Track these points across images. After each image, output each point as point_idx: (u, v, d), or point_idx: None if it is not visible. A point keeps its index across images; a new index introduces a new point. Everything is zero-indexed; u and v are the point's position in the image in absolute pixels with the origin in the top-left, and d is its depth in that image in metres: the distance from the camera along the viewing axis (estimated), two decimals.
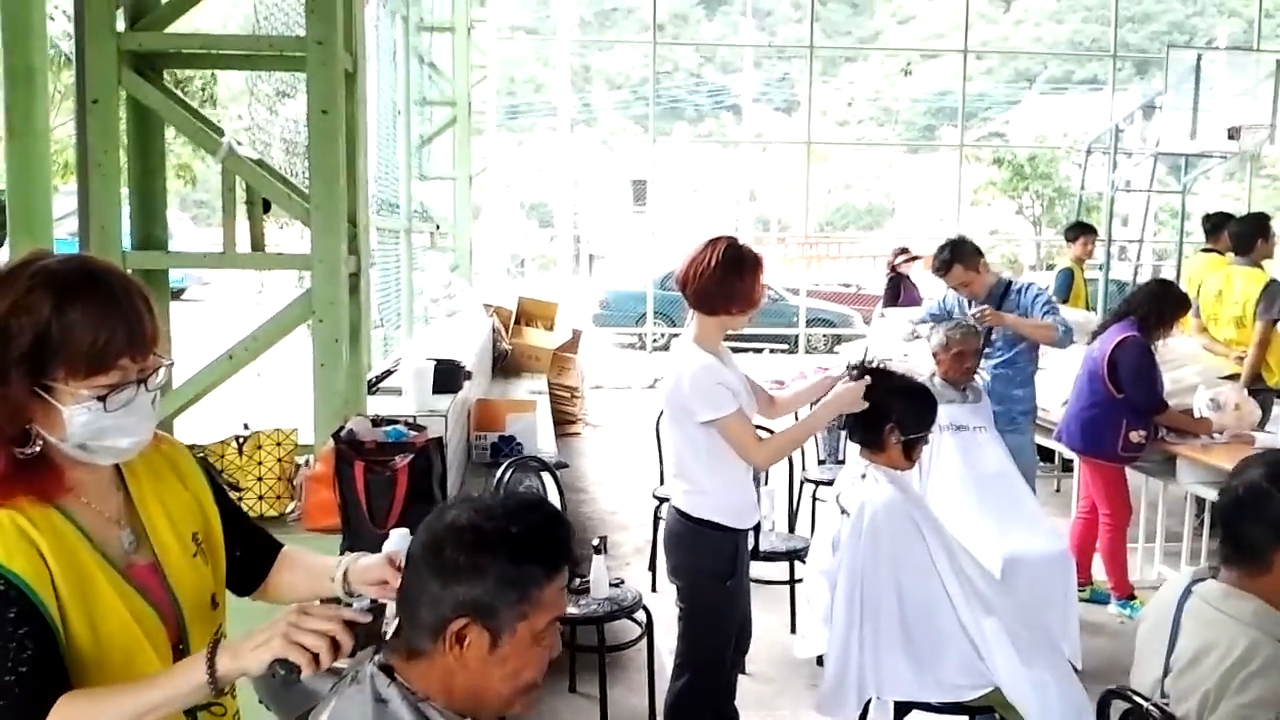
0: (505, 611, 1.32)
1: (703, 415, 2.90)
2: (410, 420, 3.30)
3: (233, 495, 3.15)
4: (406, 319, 7.06)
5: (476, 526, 1.34)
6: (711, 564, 3.00)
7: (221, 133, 3.33)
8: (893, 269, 8.43)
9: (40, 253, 1.43)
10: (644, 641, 3.71)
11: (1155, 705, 1.80)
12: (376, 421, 3.26)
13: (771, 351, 14.52)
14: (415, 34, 7.84)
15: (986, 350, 4.73)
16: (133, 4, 3.33)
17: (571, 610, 3.58)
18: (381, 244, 7.22)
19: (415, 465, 2.96)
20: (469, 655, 1.33)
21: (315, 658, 1.33)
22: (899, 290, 8.38)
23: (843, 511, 3.02)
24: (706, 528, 2.98)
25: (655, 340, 14.17)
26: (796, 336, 14.55)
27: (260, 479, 3.24)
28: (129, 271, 3.29)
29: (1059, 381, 5.35)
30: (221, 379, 3.41)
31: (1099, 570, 4.86)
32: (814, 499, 5.57)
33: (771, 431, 3.63)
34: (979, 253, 4.76)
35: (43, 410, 1.37)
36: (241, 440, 3.27)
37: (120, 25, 3.26)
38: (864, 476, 3.00)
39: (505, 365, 8.15)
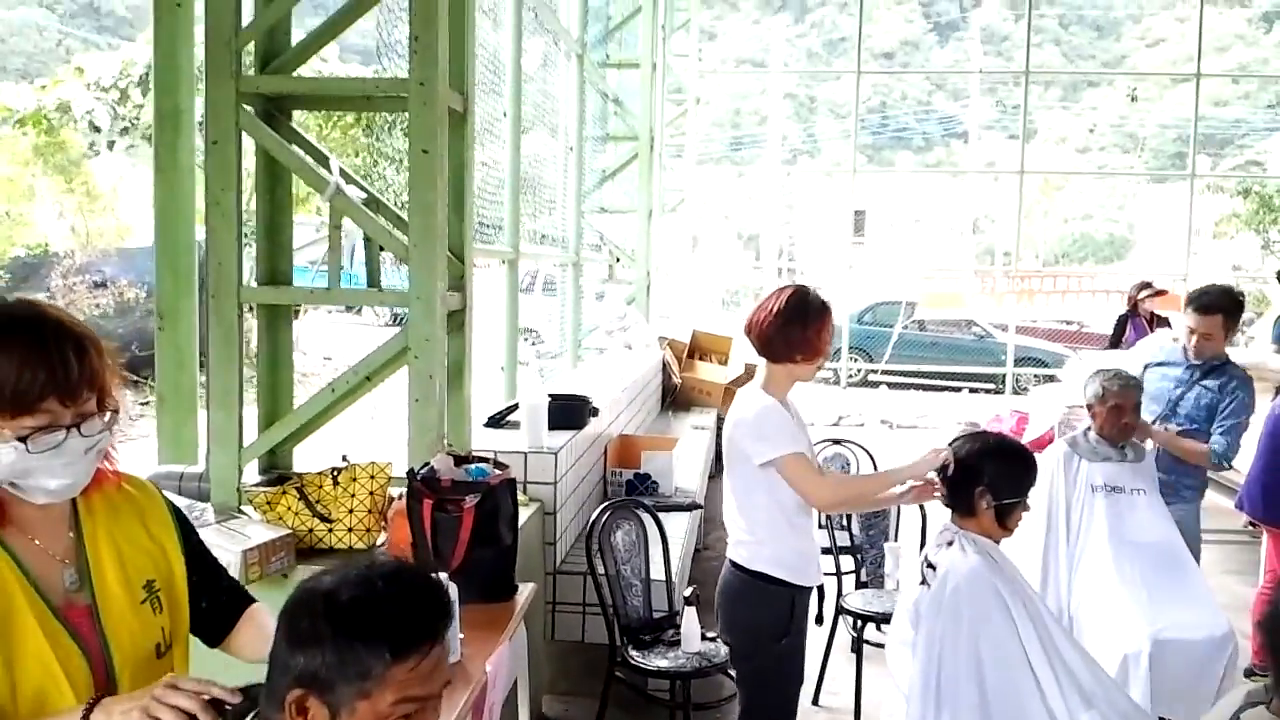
0: (343, 687, 1.25)
1: (761, 456, 2.79)
2: (498, 459, 3.28)
3: (322, 526, 3.27)
4: (571, 351, 7.12)
5: (331, 594, 1.28)
6: (765, 621, 2.86)
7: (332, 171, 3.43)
8: (1132, 304, 7.80)
9: None
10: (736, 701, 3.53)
11: None
12: (465, 459, 3.26)
13: (972, 391, 13.84)
14: (596, 72, 7.94)
15: (1167, 414, 4.25)
16: (264, 49, 3.50)
17: (661, 662, 3.46)
18: (561, 275, 7.36)
19: (482, 507, 2.91)
20: None
21: None
22: (1124, 329, 7.76)
23: (923, 580, 2.77)
24: (761, 580, 2.85)
25: (850, 376, 13.78)
26: (1004, 376, 13.80)
27: (351, 511, 3.29)
28: (246, 305, 3.48)
29: (1252, 438, 4.79)
30: (329, 411, 3.51)
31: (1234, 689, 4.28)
32: None
33: None
34: (1239, 316, 4.16)
35: None
36: (337, 472, 3.35)
37: (250, 69, 3.43)
38: (950, 544, 2.74)
39: (675, 399, 8.12)
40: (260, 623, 1.71)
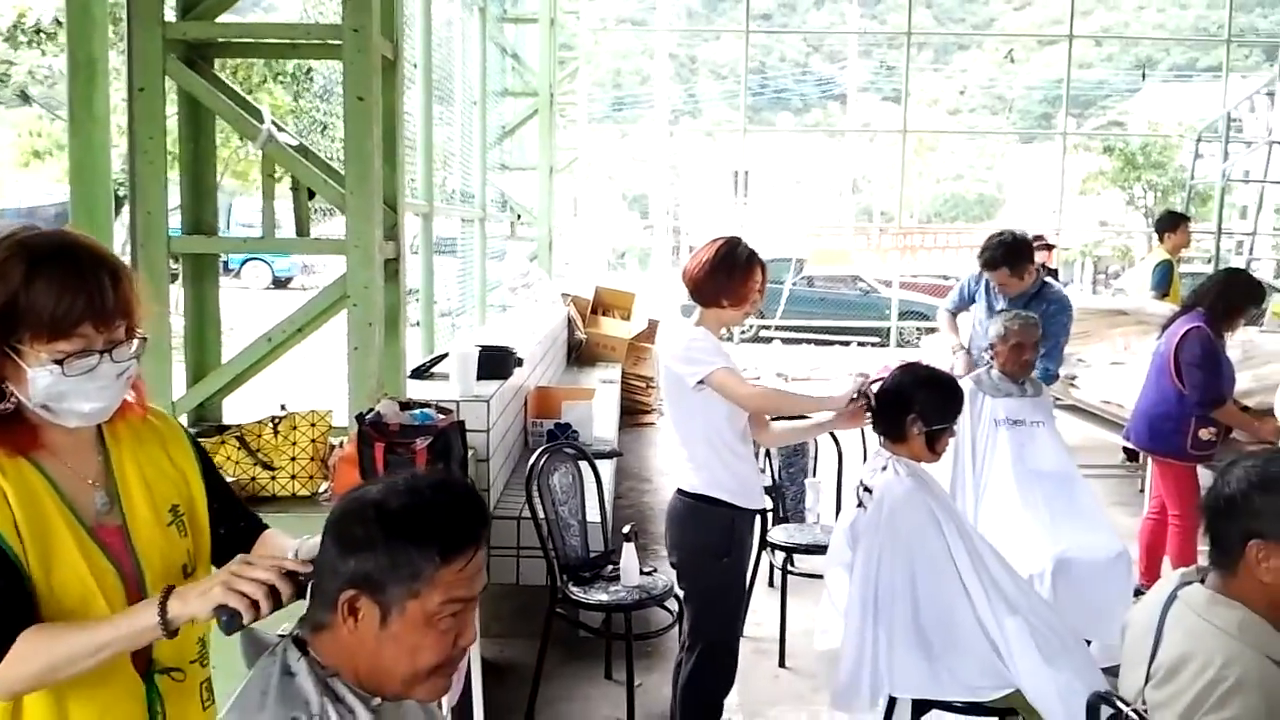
0: (394, 588, 1.32)
1: (694, 376, 2.94)
2: (440, 405, 3.33)
3: (265, 474, 3.28)
4: (480, 306, 7.14)
5: (380, 502, 1.34)
6: (707, 540, 3.03)
7: (262, 120, 3.40)
8: None
9: (25, 226, 1.52)
10: (678, 629, 3.68)
11: (1136, 711, 1.71)
12: (406, 405, 3.30)
13: (860, 345, 14.28)
14: (496, 26, 7.91)
15: None
16: None
17: (601, 597, 3.58)
18: (461, 233, 7.34)
19: (434, 448, 2.98)
20: (362, 629, 1.33)
21: (256, 605, 1.40)
22: None
23: (859, 504, 2.95)
24: (704, 503, 3.03)
25: (742, 332, 14.06)
26: (888, 330, 14.29)
27: (294, 459, 3.31)
28: (174, 254, 3.44)
29: (1133, 376, 5.14)
30: (262, 361, 3.50)
31: (1169, 573, 4.66)
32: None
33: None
34: (1029, 258, 4.58)
35: (14, 370, 1.46)
36: (277, 420, 3.36)
37: (171, 15, 3.37)
38: (884, 468, 2.93)
39: (581, 354, 8.20)
40: (276, 545, 1.75)
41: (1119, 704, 1.75)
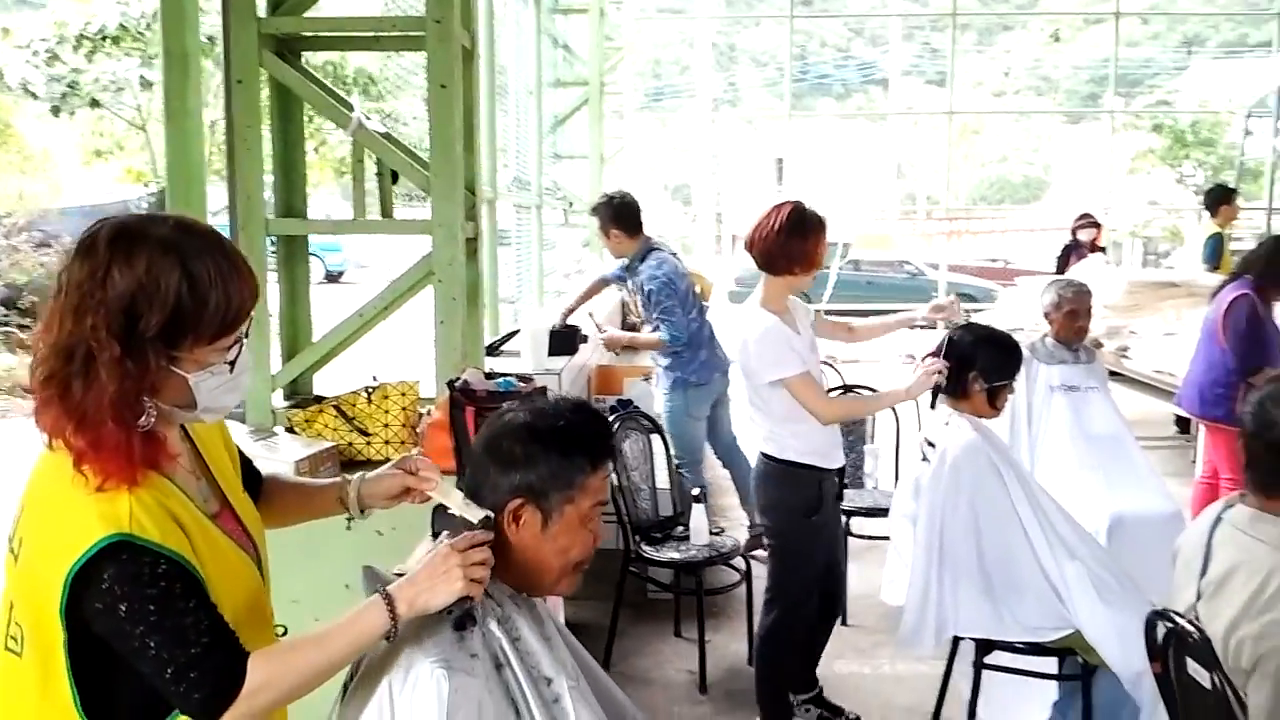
0: (555, 495, 1.54)
1: (768, 376, 3.07)
2: (520, 376, 3.54)
3: (361, 440, 3.51)
4: (537, 291, 7.35)
5: (531, 424, 1.56)
6: (797, 500, 3.17)
7: (352, 109, 3.61)
8: (1073, 234, 8.43)
9: (119, 220, 1.36)
10: (744, 588, 3.87)
11: (1190, 622, 1.86)
12: (490, 375, 3.52)
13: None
14: (548, 16, 8.10)
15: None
16: None
17: (672, 555, 3.77)
18: (517, 221, 7.54)
19: None
20: (524, 532, 1.55)
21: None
22: (1068, 258, 8.35)
23: (923, 458, 3.12)
24: (791, 467, 3.15)
25: None
26: None
27: (387, 425, 3.53)
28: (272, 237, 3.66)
29: (1185, 346, 5.24)
30: (352, 336, 3.73)
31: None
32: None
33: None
34: (616, 220, 4.93)
35: (164, 380, 1.35)
36: (370, 391, 3.57)
37: (262, 11, 3.59)
38: (948, 423, 3.09)
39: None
40: (296, 486, 1.79)
41: (1175, 617, 1.91)
